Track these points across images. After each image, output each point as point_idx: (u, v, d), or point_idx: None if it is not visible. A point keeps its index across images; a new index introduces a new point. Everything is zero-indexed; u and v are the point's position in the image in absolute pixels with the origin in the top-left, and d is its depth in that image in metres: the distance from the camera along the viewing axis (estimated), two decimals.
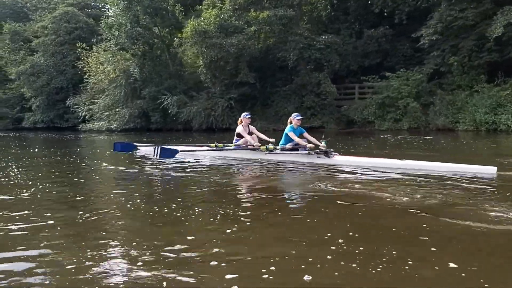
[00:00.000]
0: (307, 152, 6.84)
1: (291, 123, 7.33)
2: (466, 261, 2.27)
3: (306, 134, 7.30)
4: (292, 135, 7.15)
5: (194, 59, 27.07)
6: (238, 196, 4.50)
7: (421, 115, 19.46)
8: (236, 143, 8.01)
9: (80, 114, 29.27)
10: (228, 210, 3.48)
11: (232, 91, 25.39)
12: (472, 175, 5.34)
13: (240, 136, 7.98)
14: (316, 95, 22.69)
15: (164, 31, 26.23)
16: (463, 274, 2.08)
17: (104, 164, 7.67)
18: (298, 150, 7.08)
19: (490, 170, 5.49)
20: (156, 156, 7.20)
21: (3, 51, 40.25)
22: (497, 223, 3.00)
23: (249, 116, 8.11)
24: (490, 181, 4.98)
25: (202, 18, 20.11)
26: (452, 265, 2.19)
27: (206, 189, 4.79)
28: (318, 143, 6.95)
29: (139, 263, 2.26)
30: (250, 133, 7.99)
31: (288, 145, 7.20)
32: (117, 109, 26.76)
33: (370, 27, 23.11)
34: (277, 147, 7.29)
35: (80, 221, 3.23)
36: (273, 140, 7.59)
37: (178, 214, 3.38)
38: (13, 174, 6.08)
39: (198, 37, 19.62)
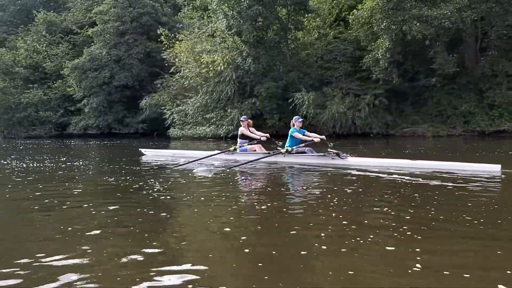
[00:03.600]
0: (323, 154, 7.50)
1: (293, 125, 7.95)
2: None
3: (308, 133, 7.96)
4: (297, 135, 7.81)
5: (305, 48, 21.79)
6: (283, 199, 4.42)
7: None
8: (242, 145, 8.65)
9: (167, 117, 23.56)
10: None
11: (373, 85, 20.20)
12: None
13: (244, 137, 8.71)
14: (509, 88, 17.53)
15: (283, 12, 20.79)
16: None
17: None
18: (306, 152, 7.77)
19: (494, 168, 5.84)
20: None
21: (39, 44, 34.20)
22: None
23: (246, 118, 9.03)
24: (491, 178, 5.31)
25: None
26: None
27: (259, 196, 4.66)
28: (318, 136, 7.64)
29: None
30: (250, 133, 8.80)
31: (301, 146, 7.78)
32: (225, 110, 21.21)
33: None
34: (283, 150, 7.78)
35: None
36: (267, 135, 8.77)
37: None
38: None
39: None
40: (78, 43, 34.51)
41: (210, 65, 20.36)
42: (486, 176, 5.39)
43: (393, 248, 2.54)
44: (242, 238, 2.84)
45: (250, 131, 8.74)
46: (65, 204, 4.14)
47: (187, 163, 7.78)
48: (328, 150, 7.37)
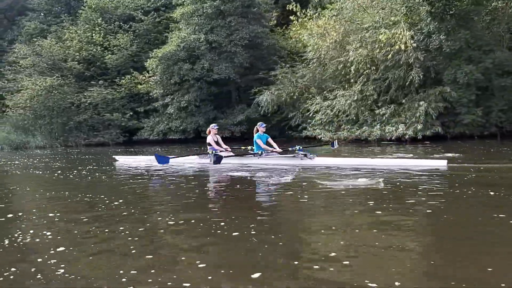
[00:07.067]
0: (292, 155, 8.35)
1: (257, 131, 8.84)
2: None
3: (270, 140, 8.90)
4: (260, 142, 8.66)
5: None
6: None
7: None
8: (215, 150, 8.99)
9: (311, 115, 18.28)
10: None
11: None
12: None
13: (211, 145, 9.13)
14: None
15: None
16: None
17: None
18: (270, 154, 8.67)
19: (441, 163, 6.93)
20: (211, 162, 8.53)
21: (96, 34, 28.58)
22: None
23: (217, 127, 9.42)
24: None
25: None
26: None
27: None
28: (277, 147, 8.72)
29: None
30: (216, 143, 9.21)
31: (269, 152, 8.62)
32: (398, 103, 16.15)
33: None
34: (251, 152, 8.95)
35: None
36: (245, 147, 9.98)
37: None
38: None
39: None
40: (141, 32, 29.03)
41: (393, 43, 15.22)
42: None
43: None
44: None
45: (217, 139, 9.18)
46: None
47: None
48: (297, 151, 8.37)
